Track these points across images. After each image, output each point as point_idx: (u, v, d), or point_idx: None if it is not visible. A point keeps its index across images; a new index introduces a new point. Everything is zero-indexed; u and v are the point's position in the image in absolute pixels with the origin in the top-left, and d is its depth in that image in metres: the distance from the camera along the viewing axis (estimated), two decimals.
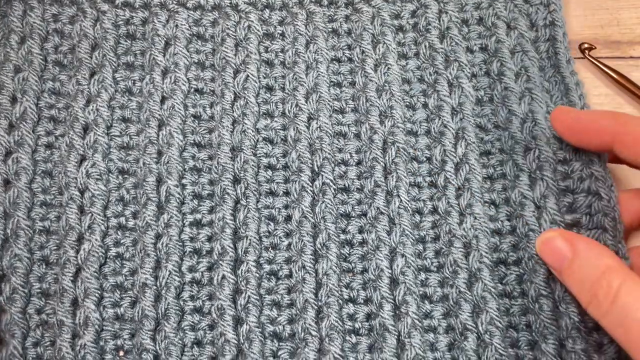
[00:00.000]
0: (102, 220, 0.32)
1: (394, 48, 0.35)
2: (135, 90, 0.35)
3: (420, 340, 0.30)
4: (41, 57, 0.35)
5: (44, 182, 0.33)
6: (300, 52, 0.35)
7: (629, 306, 0.25)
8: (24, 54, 0.35)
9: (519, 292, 0.31)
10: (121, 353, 0.31)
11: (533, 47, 0.35)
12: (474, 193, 0.32)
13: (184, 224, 0.33)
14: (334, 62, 0.36)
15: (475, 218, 0.32)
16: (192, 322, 0.31)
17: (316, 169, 0.33)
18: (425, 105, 0.35)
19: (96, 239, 0.32)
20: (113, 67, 0.35)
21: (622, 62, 0.38)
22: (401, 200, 0.32)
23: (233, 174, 0.33)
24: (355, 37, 0.36)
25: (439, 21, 0.36)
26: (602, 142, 0.30)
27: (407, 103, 0.35)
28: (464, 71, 0.34)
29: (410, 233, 0.32)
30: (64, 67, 0.35)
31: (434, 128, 0.34)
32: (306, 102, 0.34)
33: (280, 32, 0.36)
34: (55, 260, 0.32)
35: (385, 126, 0.34)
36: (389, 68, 0.35)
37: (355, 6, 0.36)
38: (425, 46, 0.35)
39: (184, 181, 0.33)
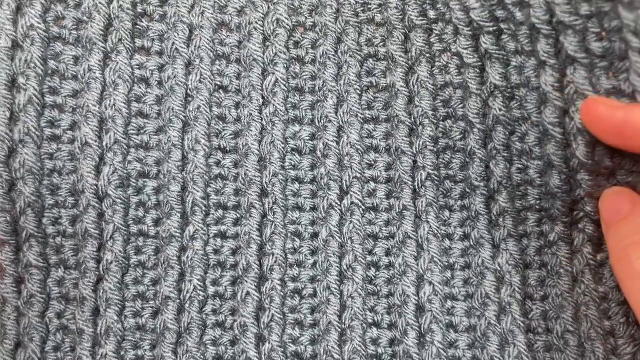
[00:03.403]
0: (124, 229, 0.31)
1: (427, 51, 0.32)
2: (153, 81, 0.32)
3: None
4: (43, 31, 0.31)
5: (51, 182, 0.31)
6: (329, 53, 0.32)
7: None
8: (24, 28, 0.31)
9: (544, 328, 0.31)
10: None
11: None
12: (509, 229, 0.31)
13: (208, 236, 0.32)
14: (368, 59, 0.33)
15: (510, 254, 0.31)
16: (214, 336, 0.31)
17: (345, 188, 0.32)
18: (463, 117, 0.32)
19: (119, 250, 0.31)
20: (130, 53, 0.32)
21: None
22: (430, 226, 0.32)
23: (260, 187, 0.32)
24: (387, 33, 0.33)
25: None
26: None
27: (444, 114, 0.32)
28: (499, 89, 0.31)
29: (439, 260, 0.31)
30: (67, 44, 0.32)
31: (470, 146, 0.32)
32: (336, 114, 0.32)
33: (311, 23, 0.33)
34: (73, 265, 0.31)
35: (414, 147, 0.32)
36: (420, 79, 0.32)
37: None
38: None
39: (208, 189, 0.32)
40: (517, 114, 0.30)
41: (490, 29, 0.30)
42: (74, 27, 0.32)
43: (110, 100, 0.31)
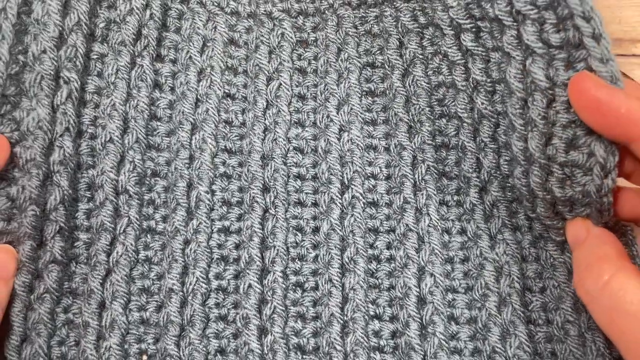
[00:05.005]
0: (137, 223, 0.32)
1: (420, 54, 0.34)
2: (167, 87, 0.34)
3: None
4: (88, 28, 0.32)
5: (75, 176, 0.32)
6: (331, 61, 0.34)
7: (616, 297, 0.25)
8: (72, 23, 0.32)
9: (544, 320, 0.31)
10: (144, 357, 0.31)
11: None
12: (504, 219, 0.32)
13: (212, 230, 0.32)
14: (367, 67, 0.35)
15: (507, 244, 0.32)
16: (217, 329, 0.31)
17: (346, 182, 0.33)
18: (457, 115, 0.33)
19: (130, 244, 0.32)
20: (152, 59, 0.34)
21: (624, 59, 0.37)
22: (431, 218, 0.32)
23: (263, 183, 0.33)
24: (384, 42, 0.34)
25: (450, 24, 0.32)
26: (620, 134, 0.26)
27: (440, 112, 0.33)
28: (483, 86, 0.32)
29: (440, 252, 0.32)
30: (95, 41, 0.33)
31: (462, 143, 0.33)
32: (337, 113, 0.34)
33: (313, 38, 0.35)
34: (84, 259, 0.32)
35: (414, 143, 0.33)
36: (416, 79, 0.34)
37: (381, 7, 0.35)
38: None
39: (213, 187, 0.33)
40: (499, 108, 0.31)
41: (469, 26, 0.31)
42: (105, 27, 0.33)
43: (134, 102, 0.33)
